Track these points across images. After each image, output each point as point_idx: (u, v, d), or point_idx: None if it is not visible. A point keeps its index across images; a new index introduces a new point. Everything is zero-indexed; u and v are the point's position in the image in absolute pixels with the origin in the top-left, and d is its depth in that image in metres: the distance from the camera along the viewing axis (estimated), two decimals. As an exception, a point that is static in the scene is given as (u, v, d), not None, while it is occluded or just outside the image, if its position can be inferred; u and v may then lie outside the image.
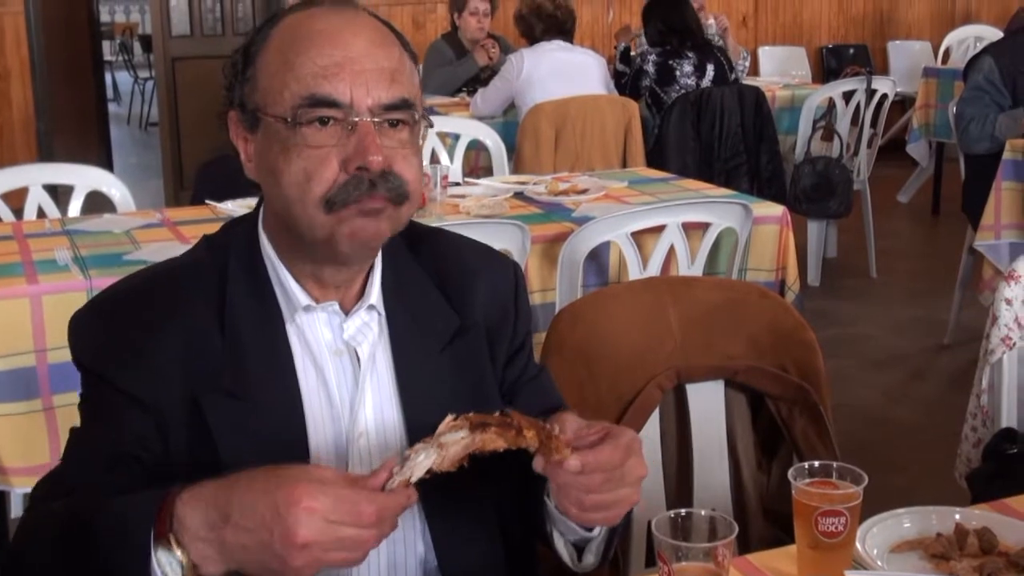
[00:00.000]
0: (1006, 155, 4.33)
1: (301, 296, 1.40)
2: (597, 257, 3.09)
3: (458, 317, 1.48)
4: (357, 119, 1.31)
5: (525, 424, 1.21)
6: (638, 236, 3.05)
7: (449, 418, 1.21)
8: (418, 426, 1.39)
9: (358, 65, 1.33)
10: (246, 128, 1.39)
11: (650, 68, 5.38)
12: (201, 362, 1.35)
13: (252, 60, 1.37)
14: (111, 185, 3.70)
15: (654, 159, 5.13)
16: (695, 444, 2.09)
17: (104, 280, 2.63)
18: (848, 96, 5.77)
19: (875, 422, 4.24)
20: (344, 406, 1.40)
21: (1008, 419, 2.30)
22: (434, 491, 1.29)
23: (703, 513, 1.27)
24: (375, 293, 1.44)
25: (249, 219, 1.46)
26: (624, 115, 5.09)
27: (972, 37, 7.82)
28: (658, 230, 3.07)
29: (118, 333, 1.36)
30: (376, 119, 1.32)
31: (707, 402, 2.09)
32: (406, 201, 1.36)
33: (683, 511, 1.27)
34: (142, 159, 10.24)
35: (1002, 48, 4.76)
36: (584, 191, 3.50)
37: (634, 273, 2.98)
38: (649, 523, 1.32)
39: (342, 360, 1.41)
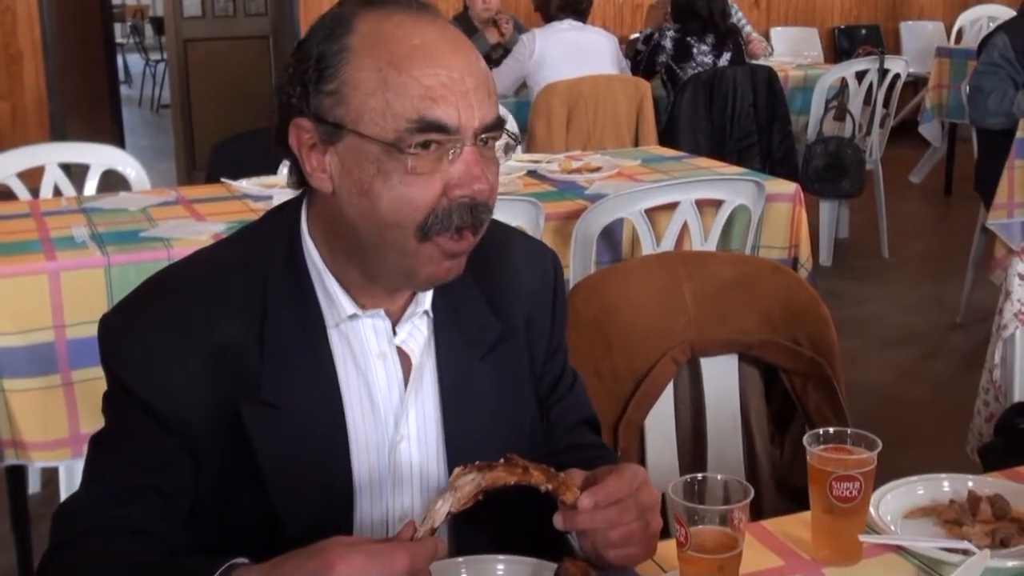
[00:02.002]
0: (1020, 133, 4.33)
1: (347, 305, 1.36)
2: (610, 234, 3.10)
3: (499, 324, 1.46)
4: (464, 144, 1.26)
5: (532, 465, 1.25)
6: (651, 213, 3.06)
7: (458, 469, 1.22)
8: (457, 432, 1.41)
9: (462, 85, 1.27)
10: (322, 139, 1.30)
11: (668, 44, 5.38)
12: (235, 373, 1.32)
13: (333, 72, 1.28)
14: (126, 164, 3.72)
15: (666, 139, 5.14)
16: (709, 417, 2.10)
17: (121, 256, 2.66)
18: (861, 76, 5.76)
19: (887, 400, 4.25)
20: (387, 410, 1.39)
21: (1021, 394, 2.31)
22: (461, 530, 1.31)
23: (719, 478, 1.29)
24: (427, 299, 1.41)
25: (290, 218, 1.40)
26: (636, 95, 5.09)
27: (985, 17, 7.79)
28: (671, 207, 3.08)
29: (147, 346, 1.32)
30: (479, 142, 1.27)
31: (721, 376, 2.10)
32: (483, 229, 1.33)
33: (699, 475, 1.28)
34: (154, 141, 10.26)
35: (1016, 26, 4.76)
36: (597, 169, 3.51)
37: (647, 250, 3.00)
38: (663, 494, 1.33)
39: (385, 364, 1.39)
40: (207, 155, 4.33)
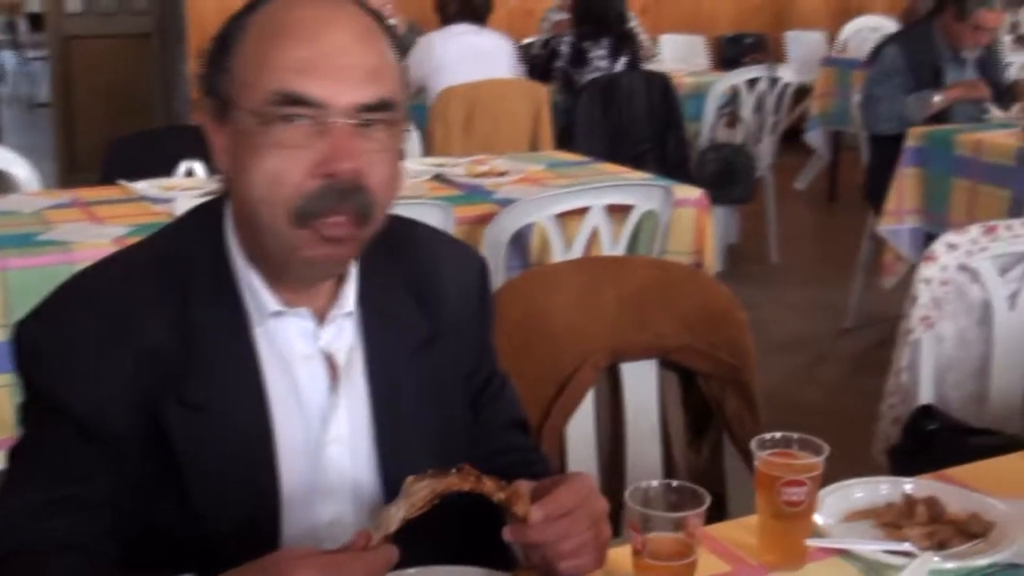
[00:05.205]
0: (908, 142, 4.46)
1: (270, 301, 1.33)
2: (518, 240, 3.09)
3: (429, 325, 1.44)
4: (331, 120, 1.24)
5: (484, 475, 1.24)
6: (560, 219, 3.06)
7: (411, 478, 1.20)
8: (388, 435, 1.39)
9: (336, 61, 1.25)
10: (217, 119, 1.30)
11: (564, 49, 5.41)
12: (160, 375, 1.28)
13: (229, 49, 1.29)
14: (13, 164, 3.59)
15: (563, 144, 5.15)
16: (628, 423, 2.11)
17: (19, 260, 2.54)
18: (751, 84, 5.86)
19: (781, 405, 4.29)
20: (315, 414, 1.36)
21: (926, 397, 2.36)
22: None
23: (672, 484, 1.28)
24: (351, 300, 1.39)
25: (212, 211, 1.38)
26: (534, 100, 5.11)
27: (867, 28, 7.99)
28: (578, 213, 3.09)
29: (67, 352, 1.28)
30: (352, 120, 1.25)
31: (640, 381, 2.12)
32: (371, 219, 1.29)
33: (653, 482, 1.28)
34: (30, 140, 9.92)
35: (905, 38, 4.94)
36: (503, 173, 3.50)
37: (558, 256, 3.00)
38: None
39: (312, 366, 1.36)
40: (88, 155, 4.22)
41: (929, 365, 2.38)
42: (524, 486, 1.27)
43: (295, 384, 1.35)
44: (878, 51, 4.95)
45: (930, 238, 4.25)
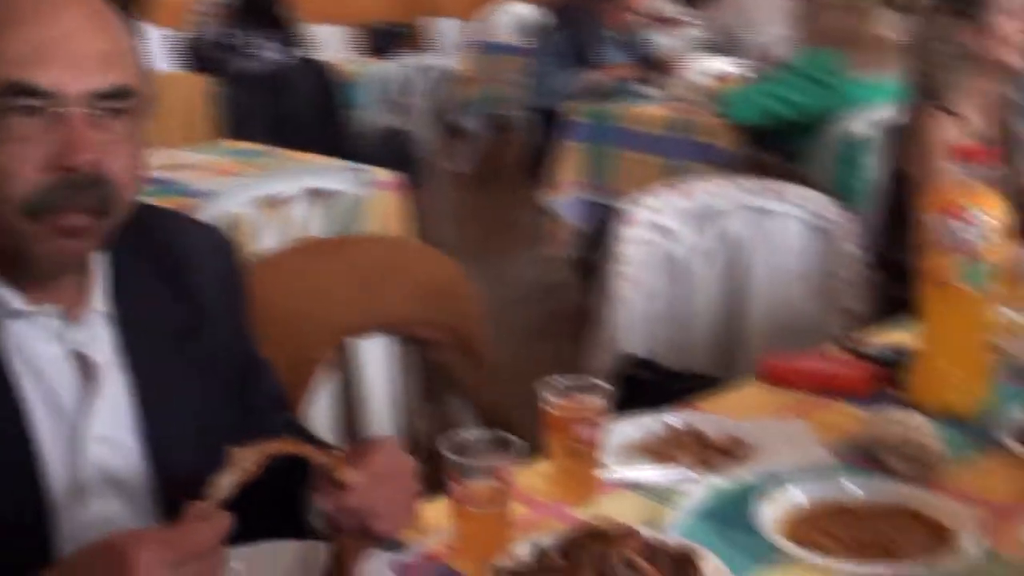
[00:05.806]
0: (572, 117, 4.70)
1: (11, 300, 1.28)
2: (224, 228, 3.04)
3: (187, 311, 1.42)
4: (63, 110, 1.20)
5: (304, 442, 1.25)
6: (261, 206, 3.04)
7: (236, 448, 1.19)
8: (154, 429, 1.36)
9: (66, 47, 1.21)
10: None
11: (225, 40, 5.35)
12: None
13: None
14: None
15: (228, 134, 5.09)
16: (366, 398, 2.15)
17: None
18: (411, 70, 5.98)
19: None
20: (72, 413, 1.31)
21: (633, 349, 2.52)
22: None
23: (486, 433, 1.33)
24: (100, 298, 1.35)
25: None
26: (194, 90, 5.02)
27: (512, 14, 8.26)
28: (277, 201, 3.07)
29: None
30: (87, 110, 1.21)
31: (374, 356, 2.16)
32: (113, 211, 1.26)
33: (466, 432, 1.32)
34: None
35: (563, 20, 5.25)
36: (190, 165, 3.44)
37: (267, 243, 2.97)
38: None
39: (64, 366, 1.32)
40: None
41: (633, 319, 2.53)
42: (341, 452, 1.29)
43: (49, 385, 1.30)
44: (539, 33, 5.24)
45: (595, 207, 4.55)
